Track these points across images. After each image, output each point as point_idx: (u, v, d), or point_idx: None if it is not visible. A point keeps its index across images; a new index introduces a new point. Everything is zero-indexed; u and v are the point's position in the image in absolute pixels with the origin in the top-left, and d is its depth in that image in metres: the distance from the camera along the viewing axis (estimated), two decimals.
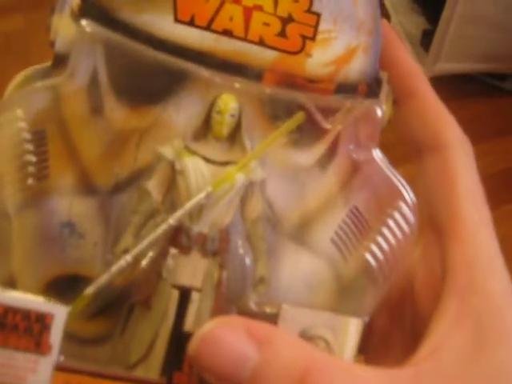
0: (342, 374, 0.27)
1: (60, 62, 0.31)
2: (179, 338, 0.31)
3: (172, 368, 0.31)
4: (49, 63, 0.32)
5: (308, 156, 0.34)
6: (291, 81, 0.33)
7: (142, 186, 0.32)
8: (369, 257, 0.33)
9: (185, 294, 0.32)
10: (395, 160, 0.35)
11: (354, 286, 0.34)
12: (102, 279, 0.30)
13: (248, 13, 0.32)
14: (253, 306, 0.33)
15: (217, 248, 0.32)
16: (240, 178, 0.32)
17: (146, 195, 0.32)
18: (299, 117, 0.33)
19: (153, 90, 0.32)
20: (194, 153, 0.32)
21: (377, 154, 0.34)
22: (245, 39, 0.32)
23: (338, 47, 0.33)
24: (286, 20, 0.32)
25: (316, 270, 0.34)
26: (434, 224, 0.34)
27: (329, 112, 0.33)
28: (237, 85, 0.32)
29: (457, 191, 0.33)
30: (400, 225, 0.33)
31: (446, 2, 1.67)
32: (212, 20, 0.32)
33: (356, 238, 0.34)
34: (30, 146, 0.31)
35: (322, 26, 0.32)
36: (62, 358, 0.29)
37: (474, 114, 1.62)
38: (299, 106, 0.33)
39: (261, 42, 0.32)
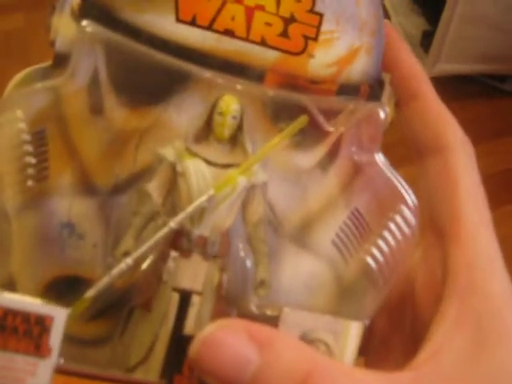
0: (342, 377, 0.27)
1: (60, 61, 0.31)
2: (179, 341, 0.31)
3: (172, 371, 0.31)
4: (49, 63, 0.32)
5: (309, 158, 0.34)
6: (293, 82, 0.33)
7: (143, 187, 0.32)
8: (369, 259, 0.33)
9: (185, 297, 0.32)
10: (396, 161, 0.35)
11: (354, 289, 0.34)
12: (103, 282, 0.30)
13: (250, 12, 0.32)
14: (254, 308, 0.33)
15: (218, 251, 0.32)
16: (242, 180, 0.32)
17: (146, 197, 0.32)
18: (302, 120, 0.32)
19: (153, 91, 0.32)
20: (195, 155, 0.32)
21: (379, 156, 0.34)
22: (246, 39, 0.32)
23: (341, 48, 0.33)
24: (289, 20, 0.32)
25: (317, 272, 0.34)
26: (434, 225, 0.34)
27: (331, 114, 0.33)
28: (239, 86, 0.32)
29: (458, 193, 0.33)
30: (401, 227, 0.33)
31: (445, 2, 1.67)
32: (214, 20, 0.31)
33: (357, 240, 0.34)
34: (29, 148, 0.31)
35: (325, 27, 0.32)
36: (61, 361, 0.29)
37: (473, 115, 1.62)
38: (301, 108, 0.33)
39: (263, 42, 0.32)
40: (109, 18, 0.31)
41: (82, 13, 0.31)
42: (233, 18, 0.31)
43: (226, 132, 0.32)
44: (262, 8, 0.32)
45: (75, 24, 0.31)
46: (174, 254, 0.31)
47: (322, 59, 0.33)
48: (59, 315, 0.28)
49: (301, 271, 0.34)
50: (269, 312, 0.32)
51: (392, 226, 0.33)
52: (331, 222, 0.34)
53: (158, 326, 0.31)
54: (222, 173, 0.32)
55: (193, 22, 0.31)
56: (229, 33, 0.32)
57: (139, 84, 0.32)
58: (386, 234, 0.33)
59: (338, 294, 0.34)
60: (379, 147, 0.34)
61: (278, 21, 0.32)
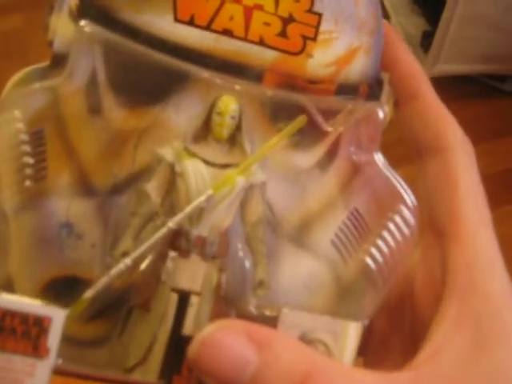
0: (342, 377, 0.27)
1: (58, 61, 0.31)
2: (178, 342, 0.31)
3: (171, 371, 0.31)
4: (47, 63, 0.32)
5: (308, 158, 0.34)
6: (292, 81, 0.33)
7: (141, 187, 0.32)
8: (368, 259, 0.33)
9: (184, 298, 0.31)
10: (395, 160, 0.35)
11: (353, 289, 0.34)
12: (101, 282, 0.30)
13: (248, 12, 0.32)
14: (252, 309, 0.33)
15: (216, 251, 0.32)
16: (240, 180, 0.32)
17: (145, 197, 0.32)
18: (301, 120, 0.32)
19: (152, 91, 0.32)
20: (193, 155, 0.32)
21: (378, 156, 0.34)
22: (245, 39, 0.32)
23: (339, 48, 0.33)
24: (287, 20, 0.32)
25: (316, 273, 0.34)
26: (434, 225, 0.33)
27: (330, 114, 0.33)
28: (237, 86, 0.32)
29: (457, 193, 0.33)
30: (400, 228, 0.33)
31: (445, 3, 1.67)
32: (212, 20, 0.31)
33: (356, 240, 0.34)
34: (27, 148, 0.31)
35: (324, 27, 0.32)
36: (59, 362, 0.29)
37: (473, 115, 1.62)
38: (300, 108, 0.32)
39: (261, 42, 0.32)
40: (107, 18, 0.31)
41: (80, 13, 0.31)
42: (231, 18, 0.31)
43: (225, 132, 0.32)
44: (260, 8, 0.32)
45: (73, 24, 0.31)
46: (172, 254, 0.31)
47: (321, 59, 0.33)
48: (57, 316, 0.28)
49: (300, 271, 0.34)
50: (268, 312, 0.32)
51: (391, 226, 0.33)
52: (330, 222, 0.34)
53: (156, 327, 0.31)
54: (221, 173, 0.32)
55: (191, 22, 0.31)
56: (227, 33, 0.32)
57: (138, 84, 0.32)
58: (385, 234, 0.33)
59: (337, 294, 0.34)
60: (378, 147, 0.34)
61: (277, 21, 0.32)
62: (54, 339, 0.28)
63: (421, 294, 0.34)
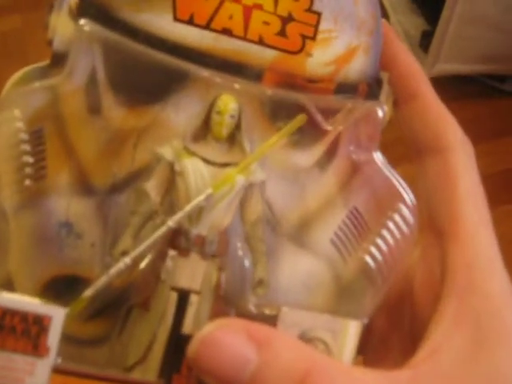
0: (341, 376, 0.27)
1: (58, 60, 0.31)
2: (177, 341, 0.31)
3: (171, 370, 0.31)
4: (46, 62, 0.32)
5: (308, 157, 0.34)
6: (291, 81, 0.33)
7: (141, 186, 0.32)
8: (368, 258, 0.33)
9: (183, 297, 0.31)
10: (394, 159, 0.35)
11: (353, 288, 0.34)
12: (101, 281, 0.30)
13: (248, 11, 0.32)
14: (252, 308, 0.33)
15: (216, 250, 0.32)
16: (240, 179, 0.32)
17: (144, 196, 0.32)
18: (300, 119, 0.32)
19: (151, 90, 0.32)
20: (193, 154, 0.32)
21: (377, 155, 0.34)
22: (244, 38, 0.32)
23: (339, 47, 0.33)
24: (286, 19, 0.32)
25: (315, 272, 0.34)
26: (433, 225, 0.34)
27: (329, 113, 0.33)
28: (237, 85, 0.32)
29: (457, 192, 0.33)
30: (399, 226, 0.33)
31: (445, 2, 1.67)
32: (211, 19, 0.31)
33: (355, 239, 0.34)
34: (27, 147, 0.31)
35: (323, 26, 0.32)
36: (59, 360, 0.29)
37: (473, 115, 1.62)
38: (300, 107, 0.32)
39: (260, 42, 0.32)
40: (106, 17, 0.31)
41: (80, 12, 0.31)
42: (231, 17, 0.31)
43: (224, 131, 0.32)
44: (259, 7, 0.32)
45: (73, 23, 0.31)
46: (172, 253, 0.31)
47: (320, 58, 0.33)
48: (57, 315, 0.28)
49: (299, 270, 0.34)
50: (267, 311, 0.32)
51: (390, 224, 0.33)
52: (330, 221, 0.34)
53: (156, 326, 0.31)
54: (220, 172, 0.32)
55: (190, 21, 0.31)
56: (227, 32, 0.32)
57: (137, 83, 0.32)
58: (385, 232, 0.33)
59: (337, 292, 0.34)
60: (377, 146, 0.34)
61: (276, 20, 0.32)
62: (53, 338, 0.28)
63: (420, 293, 0.34)
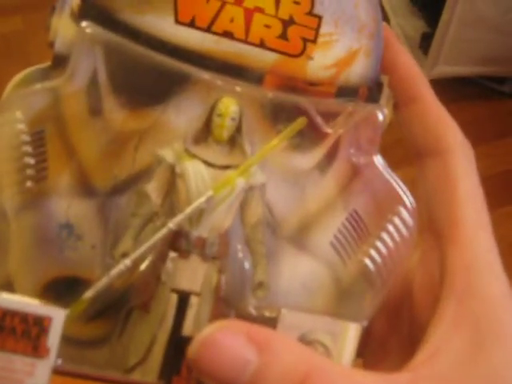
0: (341, 379, 0.27)
1: (59, 62, 0.31)
2: (177, 342, 0.31)
3: (171, 372, 0.31)
4: (48, 64, 0.32)
5: (308, 160, 0.34)
6: (292, 84, 0.33)
7: (141, 188, 0.32)
8: (367, 261, 0.33)
9: (184, 298, 0.32)
10: (394, 162, 0.35)
11: (352, 290, 0.34)
12: (101, 283, 0.30)
13: (249, 15, 0.32)
14: (252, 310, 0.33)
15: (216, 252, 0.32)
16: (240, 182, 0.32)
17: (145, 198, 0.32)
18: (301, 122, 0.32)
19: (152, 92, 0.32)
20: (194, 156, 0.32)
21: (377, 158, 0.34)
22: (245, 41, 0.32)
23: (339, 50, 0.33)
24: (287, 22, 0.32)
25: (315, 274, 0.34)
26: (433, 228, 0.34)
27: (330, 116, 0.33)
28: (238, 88, 0.32)
29: (457, 195, 0.33)
30: (399, 229, 0.33)
31: (445, 4, 1.67)
32: (213, 22, 0.31)
33: (355, 241, 0.34)
34: (28, 148, 0.31)
35: (324, 29, 0.32)
36: (59, 362, 0.29)
37: (472, 116, 1.62)
38: (300, 110, 0.33)
39: (261, 44, 0.32)
40: (108, 19, 0.31)
41: (82, 14, 0.31)
42: (232, 20, 0.32)
43: (225, 133, 0.32)
44: (261, 10, 0.32)
45: (75, 25, 0.31)
46: (172, 254, 0.31)
47: (321, 61, 0.33)
48: (57, 316, 0.28)
49: (299, 273, 0.34)
50: (267, 313, 0.32)
51: (390, 227, 0.33)
52: (329, 224, 0.34)
53: (156, 327, 0.31)
54: (221, 174, 0.32)
55: (192, 24, 0.31)
56: (228, 35, 0.32)
57: (138, 85, 0.32)
58: (384, 235, 0.33)
59: (337, 295, 0.34)
60: (377, 149, 0.34)
61: (277, 23, 0.32)
62: (54, 339, 0.28)
63: (419, 296, 0.34)
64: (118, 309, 0.32)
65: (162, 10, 0.31)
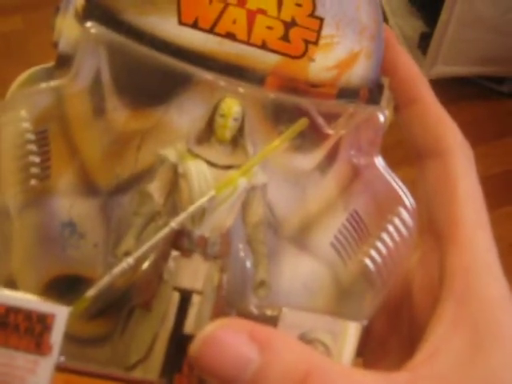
0: (341, 378, 0.27)
1: (63, 62, 0.32)
2: (179, 340, 0.31)
3: (172, 370, 0.31)
4: (52, 63, 0.32)
5: (309, 160, 0.34)
6: (293, 85, 0.33)
7: (144, 188, 0.32)
8: (368, 261, 0.33)
9: (185, 297, 0.32)
10: (394, 163, 0.35)
11: (353, 290, 0.34)
12: (104, 281, 0.30)
13: (251, 16, 0.32)
14: (253, 309, 0.33)
15: (218, 251, 0.32)
16: (242, 182, 0.32)
17: (147, 197, 0.32)
18: (302, 122, 0.33)
19: (155, 92, 0.32)
20: (196, 156, 0.32)
21: (378, 160, 0.34)
22: (248, 42, 0.32)
23: (341, 52, 0.33)
24: (290, 24, 0.32)
25: (316, 274, 0.34)
26: (433, 229, 0.34)
27: (331, 117, 0.33)
28: (240, 89, 0.32)
29: (457, 196, 0.33)
30: (399, 230, 0.33)
31: (443, 4, 1.67)
32: (215, 23, 0.32)
33: (355, 242, 0.34)
34: (33, 147, 0.31)
35: (325, 31, 0.33)
36: (62, 359, 0.29)
37: (471, 117, 1.62)
38: (301, 111, 0.33)
39: (263, 46, 0.32)
40: (112, 20, 0.31)
41: (86, 14, 0.31)
42: (234, 22, 0.32)
43: (228, 134, 0.32)
44: (263, 12, 0.32)
45: (79, 25, 0.31)
46: (174, 253, 0.32)
47: (322, 63, 0.33)
48: (61, 313, 0.29)
49: (300, 272, 0.34)
50: (268, 312, 0.33)
51: (390, 227, 0.33)
52: (330, 224, 0.34)
53: (158, 325, 0.32)
54: (223, 174, 0.32)
55: (195, 25, 0.32)
56: (230, 36, 0.32)
57: (141, 85, 0.32)
58: (384, 235, 0.33)
59: (337, 295, 0.34)
60: (378, 150, 0.34)
61: (279, 25, 0.32)
62: (57, 336, 0.29)
63: (419, 297, 0.34)
64: (120, 307, 0.32)
65: (166, 11, 0.31)
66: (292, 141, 0.33)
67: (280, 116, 0.33)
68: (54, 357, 0.29)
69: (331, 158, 0.34)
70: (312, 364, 0.27)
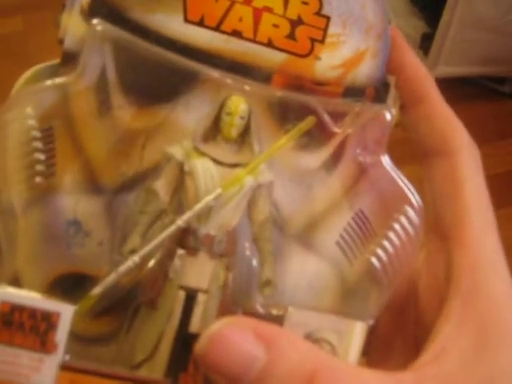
0: (348, 377, 0.27)
1: (69, 59, 0.32)
2: (185, 339, 0.31)
3: (178, 369, 0.31)
4: (57, 61, 0.32)
5: (315, 159, 0.34)
6: (299, 83, 0.33)
7: (150, 186, 0.32)
8: (374, 260, 0.33)
9: (191, 295, 0.32)
10: (399, 160, 0.35)
11: (358, 289, 0.34)
12: (109, 279, 0.30)
13: (258, 14, 0.32)
14: (259, 307, 0.33)
15: (224, 250, 0.32)
16: (249, 180, 0.32)
17: (153, 195, 0.32)
18: (309, 121, 0.33)
19: (161, 90, 0.32)
20: (203, 154, 0.32)
21: (385, 159, 0.34)
22: (254, 40, 0.32)
23: (347, 50, 0.33)
24: (296, 22, 0.32)
25: (321, 273, 0.34)
26: (439, 228, 0.34)
27: (337, 116, 0.33)
28: (247, 87, 0.32)
29: (463, 196, 0.33)
30: (406, 228, 0.33)
31: (445, 5, 1.67)
32: (221, 21, 0.32)
33: (361, 241, 0.34)
34: (38, 144, 0.31)
35: (332, 30, 0.33)
36: (67, 357, 0.29)
37: (473, 117, 1.62)
38: (308, 109, 0.33)
39: (269, 44, 0.32)
40: (118, 17, 0.31)
41: (92, 11, 0.31)
42: (240, 19, 0.32)
43: (234, 132, 0.32)
44: (269, 10, 0.32)
45: (85, 22, 0.31)
46: (180, 251, 0.32)
47: (329, 61, 0.33)
48: (66, 311, 0.29)
49: (305, 271, 0.34)
50: (274, 311, 0.33)
51: (396, 226, 0.33)
52: (335, 223, 0.34)
53: (163, 324, 0.31)
54: (230, 172, 0.32)
55: (201, 23, 0.31)
56: (236, 34, 0.32)
57: (147, 83, 0.32)
58: (391, 234, 0.33)
59: (343, 294, 0.34)
60: (385, 149, 0.34)
61: (286, 23, 0.32)
62: (62, 335, 0.28)
63: (425, 296, 0.34)
64: (126, 305, 0.32)
65: (172, 9, 0.31)
66: (298, 139, 0.33)
67: (286, 114, 0.33)
68: (59, 355, 0.29)
69: (337, 156, 0.34)
70: (319, 363, 0.27)
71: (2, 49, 1.67)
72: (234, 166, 0.32)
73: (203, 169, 0.32)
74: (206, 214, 0.31)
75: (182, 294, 0.32)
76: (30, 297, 0.29)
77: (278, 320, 0.32)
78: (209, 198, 0.31)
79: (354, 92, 0.34)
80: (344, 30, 0.33)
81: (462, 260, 0.32)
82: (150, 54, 0.31)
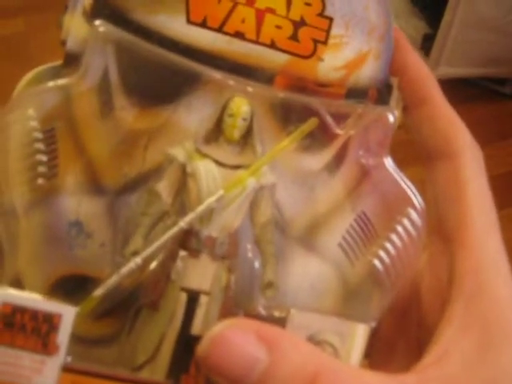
0: (350, 379, 0.27)
1: (71, 61, 0.31)
2: (186, 341, 0.31)
3: (179, 370, 0.31)
4: (59, 62, 0.32)
5: (317, 161, 0.34)
6: (302, 85, 0.33)
7: (152, 187, 0.32)
8: (376, 262, 0.33)
9: (193, 297, 0.32)
10: (402, 162, 0.35)
11: (360, 291, 0.34)
12: (111, 281, 0.30)
13: (260, 15, 0.32)
14: (261, 309, 0.33)
15: (226, 252, 0.32)
16: (251, 182, 0.32)
17: (155, 197, 0.32)
18: (312, 123, 0.33)
19: (164, 91, 0.32)
20: (205, 156, 0.32)
21: (388, 161, 0.34)
22: (256, 42, 0.32)
23: (349, 52, 0.33)
24: (299, 23, 0.32)
25: (323, 275, 0.34)
26: (442, 230, 0.34)
27: (340, 117, 0.33)
28: (249, 88, 0.32)
29: (466, 198, 0.33)
30: (408, 230, 0.33)
31: (446, 5, 1.67)
32: (224, 22, 0.32)
33: (363, 243, 0.34)
34: (40, 146, 0.31)
35: (334, 31, 0.33)
36: (69, 359, 0.29)
37: (474, 118, 1.61)
38: (310, 111, 0.33)
39: (272, 45, 0.32)
40: (120, 19, 0.31)
41: (94, 13, 0.31)
42: (243, 21, 0.32)
43: (236, 133, 0.32)
44: (272, 11, 0.32)
45: (87, 24, 0.31)
46: (182, 253, 0.32)
47: (331, 63, 0.33)
48: (68, 313, 0.29)
49: (308, 273, 0.34)
50: (276, 313, 0.33)
51: (399, 228, 0.33)
52: (338, 225, 0.34)
53: (165, 326, 0.31)
54: (232, 174, 0.32)
55: (203, 24, 0.31)
56: (239, 35, 0.32)
57: (149, 84, 0.32)
58: (393, 236, 0.33)
59: (345, 296, 0.34)
60: (388, 151, 0.34)
61: (288, 24, 0.32)
62: (63, 336, 0.29)
63: (427, 299, 0.34)
64: (127, 307, 0.32)
65: (174, 10, 0.31)
66: (301, 141, 0.33)
67: (289, 116, 0.33)
68: (61, 357, 0.29)
69: (340, 158, 0.34)
70: (321, 365, 0.27)
71: (4, 50, 1.68)
72: (237, 167, 0.32)
73: (205, 170, 0.31)
74: (208, 215, 0.31)
75: (183, 296, 0.32)
76: (32, 298, 0.29)
77: (280, 322, 0.32)
78: (211, 200, 0.31)
79: (356, 93, 0.34)
80: (347, 32, 0.33)
81: (464, 262, 0.32)
82: (152, 56, 0.31)
